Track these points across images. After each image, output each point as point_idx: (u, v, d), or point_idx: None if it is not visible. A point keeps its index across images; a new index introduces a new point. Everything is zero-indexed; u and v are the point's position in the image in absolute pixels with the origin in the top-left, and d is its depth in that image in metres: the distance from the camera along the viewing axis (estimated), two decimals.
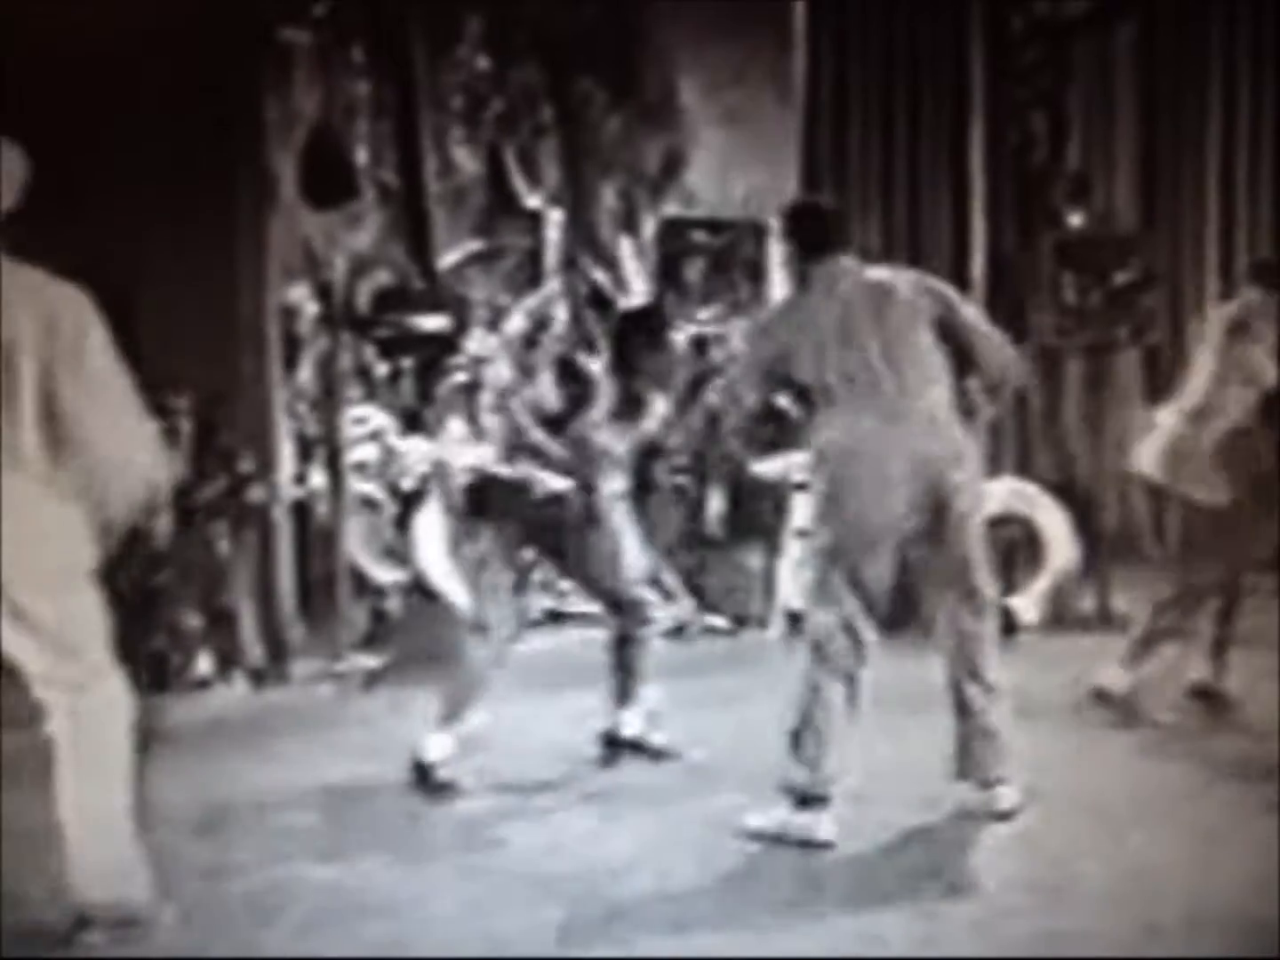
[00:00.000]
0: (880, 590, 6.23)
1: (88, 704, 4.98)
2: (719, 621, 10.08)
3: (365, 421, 9.90)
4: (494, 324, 11.11)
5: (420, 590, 9.40)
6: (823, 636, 6.17)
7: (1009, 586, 10.00)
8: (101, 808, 5.00)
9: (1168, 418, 8.05)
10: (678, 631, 9.68)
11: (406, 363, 10.43)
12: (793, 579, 9.45)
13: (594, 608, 9.67)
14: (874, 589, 6.20)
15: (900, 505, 6.17)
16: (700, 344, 10.69)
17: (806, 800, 6.10)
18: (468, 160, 11.49)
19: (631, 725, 7.24)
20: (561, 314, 11.37)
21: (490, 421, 7.36)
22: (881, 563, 6.21)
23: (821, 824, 6.06)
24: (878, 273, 6.51)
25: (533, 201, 11.54)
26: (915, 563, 6.37)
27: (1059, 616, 10.10)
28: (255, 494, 8.71)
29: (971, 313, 6.48)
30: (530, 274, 11.39)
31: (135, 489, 5.13)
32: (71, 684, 4.97)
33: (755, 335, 6.95)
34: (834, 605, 6.17)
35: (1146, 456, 8.14)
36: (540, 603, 9.66)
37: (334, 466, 9.18)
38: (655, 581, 9.81)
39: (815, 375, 6.26)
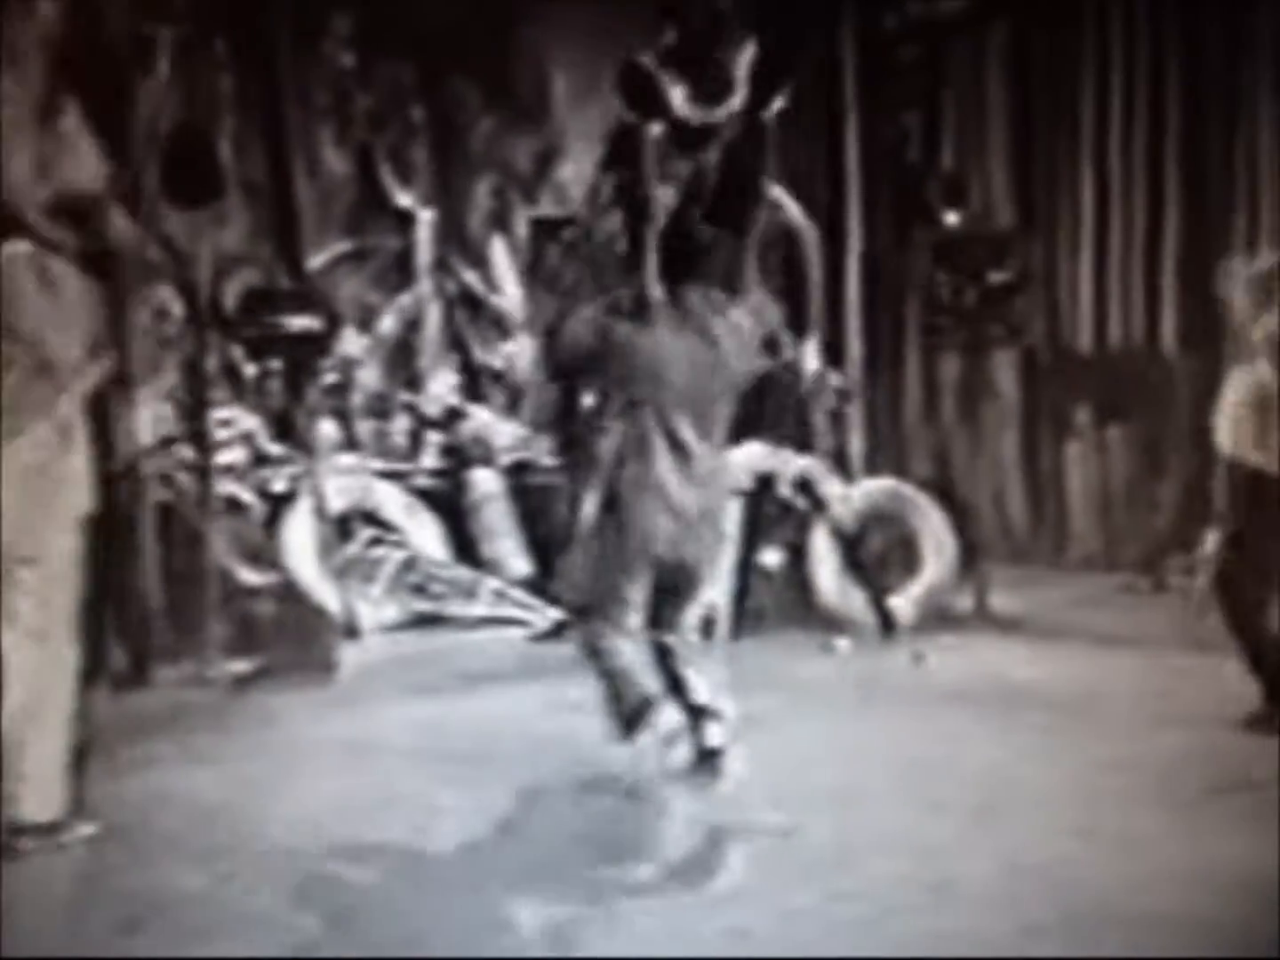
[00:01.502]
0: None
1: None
2: None
3: (232, 423, 9.73)
4: (364, 324, 10.98)
5: (290, 594, 9.23)
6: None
7: (886, 587, 10.00)
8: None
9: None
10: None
11: (275, 364, 10.25)
12: None
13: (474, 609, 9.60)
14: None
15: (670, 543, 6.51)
16: None
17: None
18: (337, 159, 11.34)
19: None
20: (433, 314, 11.25)
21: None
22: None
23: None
24: (721, 321, 6.63)
25: (403, 201, 11.39)
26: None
27: (936, 615, 10.06)
28: (120, 494, 8.50)
29: None
30: (401, 274, 11.26)
31: None
32: None
33: (584, 325, 6.69)
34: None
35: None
36: (415, 605, 9.52)
37: (200, 468, 8.99)
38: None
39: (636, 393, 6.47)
